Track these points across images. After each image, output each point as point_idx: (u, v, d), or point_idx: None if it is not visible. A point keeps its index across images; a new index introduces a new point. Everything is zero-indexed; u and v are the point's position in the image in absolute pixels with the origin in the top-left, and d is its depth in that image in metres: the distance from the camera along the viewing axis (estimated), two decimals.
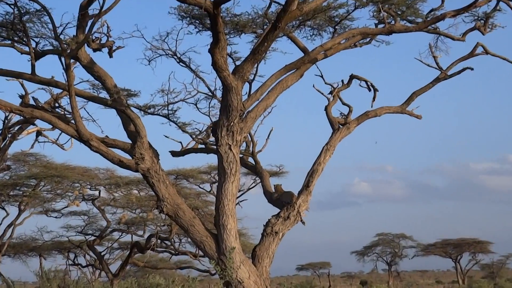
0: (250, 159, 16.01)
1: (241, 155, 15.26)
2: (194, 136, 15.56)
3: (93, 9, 12.29)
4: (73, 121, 13.17)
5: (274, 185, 14.77)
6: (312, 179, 14.27)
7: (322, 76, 15.30)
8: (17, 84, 14.59)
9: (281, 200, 14.29)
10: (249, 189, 30.25)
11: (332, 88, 15.42)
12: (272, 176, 28.00)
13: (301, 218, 14.01)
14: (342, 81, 15.60)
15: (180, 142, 15.65)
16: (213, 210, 16.01)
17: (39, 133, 14.10)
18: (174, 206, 13.46)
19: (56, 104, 15.02)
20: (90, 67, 13.34)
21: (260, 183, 15.42)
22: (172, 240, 29.93)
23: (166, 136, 15.31)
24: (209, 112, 15.73)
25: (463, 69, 15.25)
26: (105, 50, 13.57)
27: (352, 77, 15.52)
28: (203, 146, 15.77)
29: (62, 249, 35.11)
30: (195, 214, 13.88)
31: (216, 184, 14.35)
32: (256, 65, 14.87)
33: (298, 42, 14.97)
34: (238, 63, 14.80)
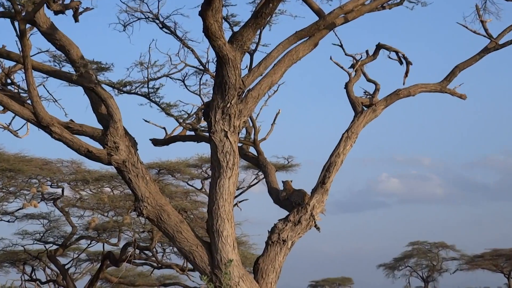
0: (252, 149, 16.03)
1: (240, 144, 15.19)
2: (181, 121, 15.56)
3: None
4: (29, 102, 13.16)
5: (282, 182, 14.74)
6: (329, 174, 14.29)
7: (341, 46, 15.33)
8: None
9: (291, 200, 14.36)
10: (250, 186, 30.71)
11: (354, 61, 15.43)
12: (279, 170, 28.50)
13: (315, 222, 14.07)
14: (367, 51, 15.59)
15: (164, 128, 15.72)
16: (205, 213, 15.96)
17: None
18: (156, 208, 13.57)
19: (8, 80, 15.06)
20: (51, 34, 13.33)
21: (264, 179, 15.43)
22: (154, 250, 30.11)
23: (146, 121, 15.37)
24: (199, 91, 15.73)
25: None
26: (70, 12, 13.55)
27: (379, 46, 15.53)
28: (192, 133, 15.81)
29: (16, 260, 35.27)
30: (183, 218, 13.94)
31: (209, 180, 14.52)
32: (259, 32, 14.87)
33: (311, 2, 14.94)
34: (236, 29, 14.73)
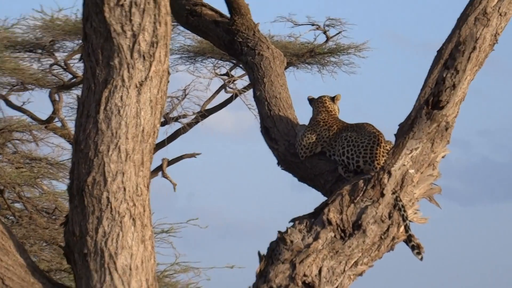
0: None
1: None
2: None
3: None
4: None
5: (308, 100, 11.35)
6: (455, 75, 10.52)
7: None
8: None
9: (334, 160, 10.86)
10: (204, 114, 25.80)
11: None
12: (297, 66, 24.36)
13: (409, 230, 9.99)
14: None
15: None
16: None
17: None
18: None
19: None
20: None
21: (253, 92, 11.68)
22: None
23: None
24: None
25: None
26: None
27: None
28: None
29: None
30: None
31: (80, 90, 12.29)
32: None
33: None
34: None
